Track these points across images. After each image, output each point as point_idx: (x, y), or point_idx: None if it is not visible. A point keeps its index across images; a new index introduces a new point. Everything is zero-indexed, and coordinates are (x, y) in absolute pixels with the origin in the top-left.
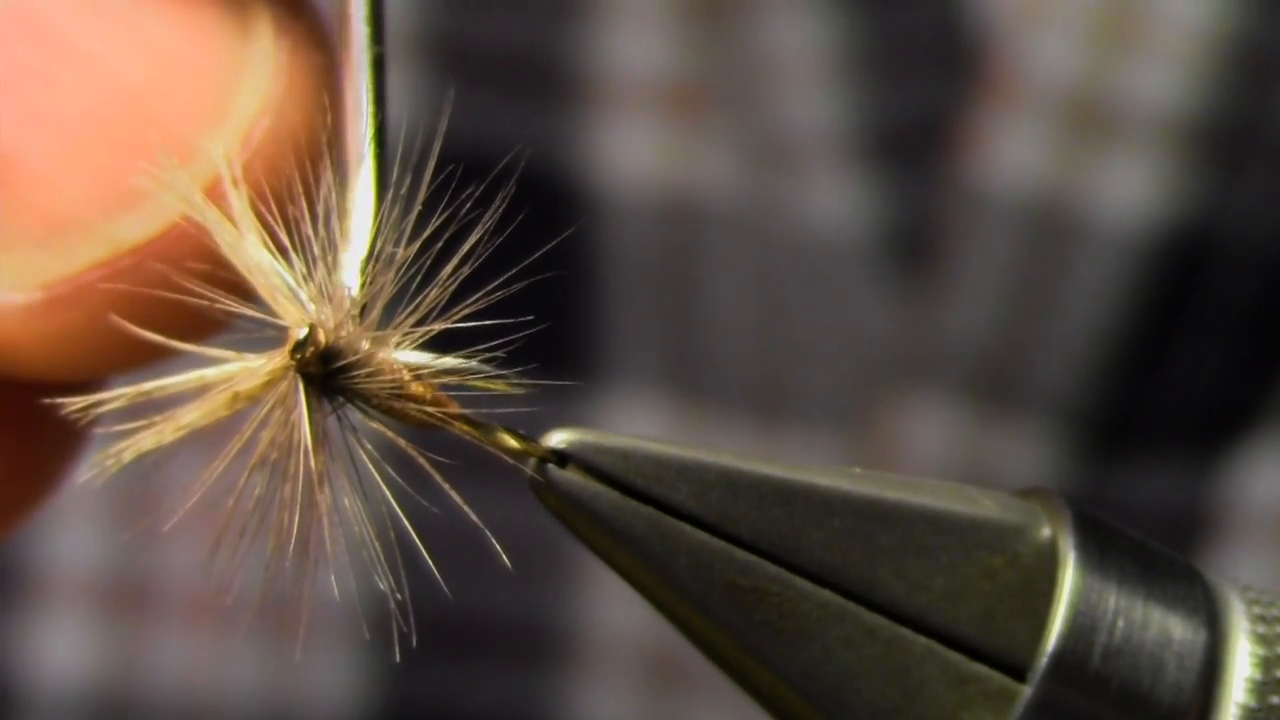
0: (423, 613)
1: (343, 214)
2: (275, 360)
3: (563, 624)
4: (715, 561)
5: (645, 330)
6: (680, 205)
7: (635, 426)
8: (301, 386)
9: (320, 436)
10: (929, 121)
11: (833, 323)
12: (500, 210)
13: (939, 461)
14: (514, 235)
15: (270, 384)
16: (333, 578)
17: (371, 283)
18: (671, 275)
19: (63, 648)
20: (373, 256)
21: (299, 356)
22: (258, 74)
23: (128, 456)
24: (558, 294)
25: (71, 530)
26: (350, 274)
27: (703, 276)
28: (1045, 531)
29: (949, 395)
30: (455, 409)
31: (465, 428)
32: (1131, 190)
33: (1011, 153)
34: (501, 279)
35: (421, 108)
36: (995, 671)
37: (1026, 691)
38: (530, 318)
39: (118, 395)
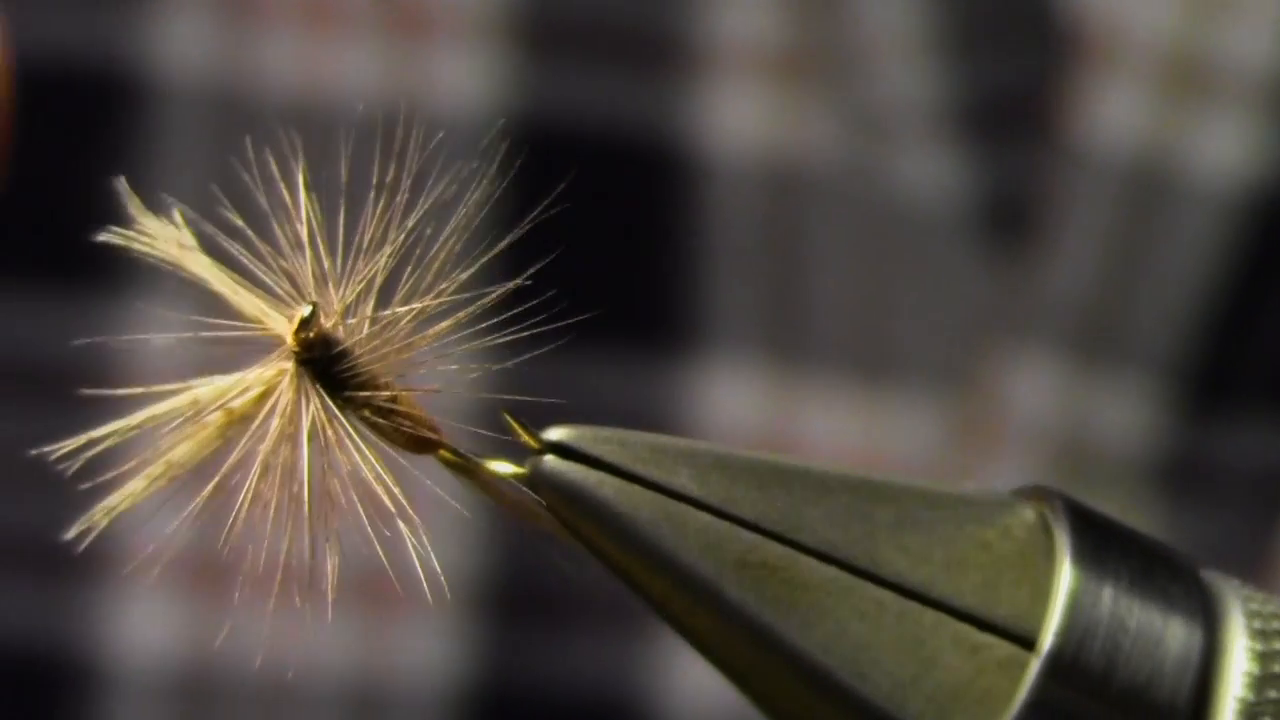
0: (518, 586)
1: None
2: (273, 357)
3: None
4: (723, 541)
5: (746, 296)
6: (783, 172)
7: (737, 393)
8: (308, 378)
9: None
10: (1025, 90)
11: (934, 287)
12: (573, 182)
13: (1040, 418)
14: (620, 202)
15: (268, 393)
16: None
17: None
18: (773, 241)
19: (145, 624)
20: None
21: (303, 335)
22: None
23: (120, 508)
24: (660, 260)
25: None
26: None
27: (804, 243)
28: (1029, 510)
29: (1050, 353)
30: (443, 436)
31: (449, 455)
32: (1229, 149)
33: (1109, 114)
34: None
35: (520, 81)
36: (1003, 640)
37: (1036, 661)
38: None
39: (104, 435)
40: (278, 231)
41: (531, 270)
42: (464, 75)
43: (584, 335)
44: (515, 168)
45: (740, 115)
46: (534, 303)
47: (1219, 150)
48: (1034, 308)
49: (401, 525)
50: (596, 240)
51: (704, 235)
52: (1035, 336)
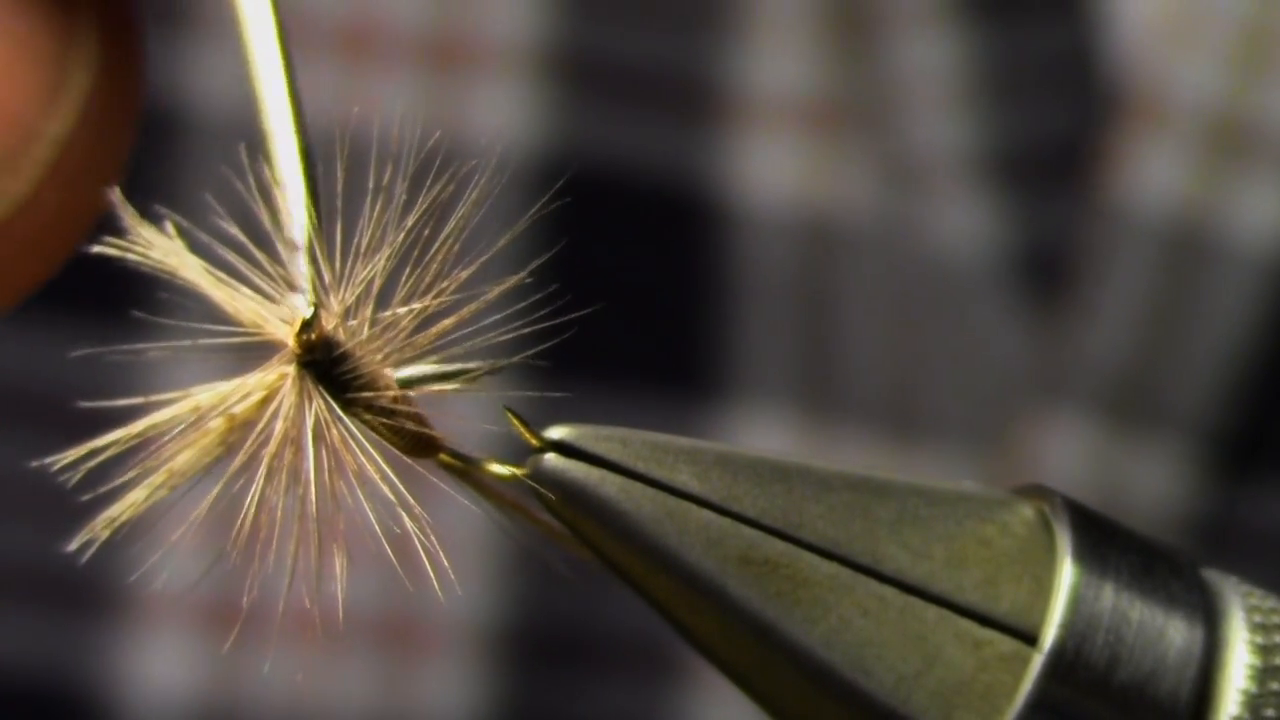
0: (542, 629)
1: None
2: (275, 363)
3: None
4: (725, 538)
5: (778, 347)
6: (816, 223)
7: (766, 443)
8: (310, 381)
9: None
10: (1062, 143)
11: (966, 342)
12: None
13: (1073, 480)
14: (653, 247)
15: (269, 397)
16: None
17: (359, 275)
18: (805, 293)
19: (165, 665)
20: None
21: (305, 338)
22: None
23: (123, 517)
24: (691, 307)
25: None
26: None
27: (836, 295)
28: (1029, 507)
29: (1084, 415)
30: (440, 437)
31: (449, 459)
32: (1269, 212)
33: (1151, 174)
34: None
35: (556, 120)
36: (1005, 635)
37: (1039, 656)
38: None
39: (106, 444)
40: (276, 238)
41: (528, 268)
42: (500, 112)
43: (614, 381)
44: (547, 204)
45: (775, 164)
46: (543, 307)
47: (1259, 213)
48: (1069, 368)
49: (409, 522)
50: (627, 284)
51: (736, 283)
52: (1070, 397)
